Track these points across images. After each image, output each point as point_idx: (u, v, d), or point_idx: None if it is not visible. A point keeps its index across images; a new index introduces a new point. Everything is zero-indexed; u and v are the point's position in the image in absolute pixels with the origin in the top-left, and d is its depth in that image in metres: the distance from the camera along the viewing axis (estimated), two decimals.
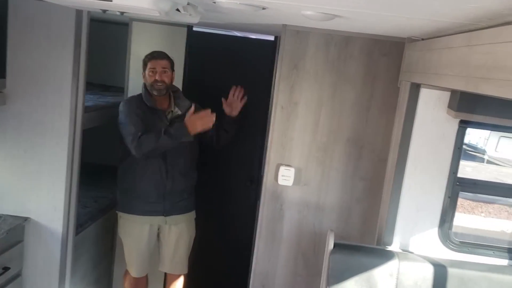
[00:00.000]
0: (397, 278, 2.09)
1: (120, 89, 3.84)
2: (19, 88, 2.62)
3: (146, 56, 3.10)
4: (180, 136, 2.93)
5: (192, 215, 3.32)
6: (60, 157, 2.73)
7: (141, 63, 3.55)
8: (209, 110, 2.95)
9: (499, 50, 1.24)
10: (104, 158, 3.78)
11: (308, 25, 2.38)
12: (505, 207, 5.95)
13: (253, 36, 3.94)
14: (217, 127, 3.19)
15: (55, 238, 2.82)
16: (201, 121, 2.94)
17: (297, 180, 2.55)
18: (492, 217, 6.03)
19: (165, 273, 3.48)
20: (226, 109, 3.27)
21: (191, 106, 3.13)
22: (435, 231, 2.22)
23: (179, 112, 3.13)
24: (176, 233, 3.24)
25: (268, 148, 2.56)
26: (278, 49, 3.52)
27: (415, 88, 2.13)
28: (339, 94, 2.49)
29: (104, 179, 3.88)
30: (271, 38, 3.63)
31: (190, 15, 1.99)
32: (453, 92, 2.07)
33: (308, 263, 2.63)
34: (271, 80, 3.61)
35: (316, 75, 2.48)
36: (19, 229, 2.75)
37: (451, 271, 2.07)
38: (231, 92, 3.30)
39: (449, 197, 2.19)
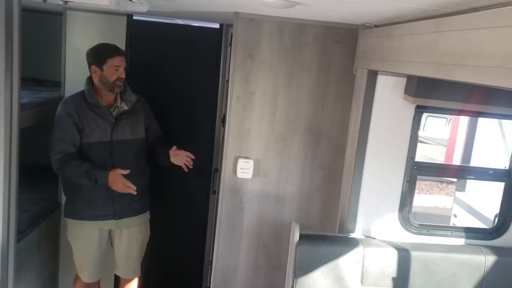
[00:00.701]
0: (363, 265, 2.10)
1: (55, 83, 3.60)
2: None
3: (104, 51, 2.85)
4: (98, 183, 2.77)
5: (146, 216, 3.14)
6: None
7: (78, 55, 3.34)
8: (134, 187, 2.78)
9: (473, 37, 1.24)
10: (39, 157, 3.52)
11: (262, 12, 2.31)
12: (436, 183, 6.24)
13: (196, 24, 3.81)
14: (154, 149, 3.09)
15: None
16: (122, 186, 2.78)
17: (256, 172, 2.49)
18: (425, 193, 6.30)
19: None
20: (172, 156, 3.00)
21: (137, 101, 2.99)
22: (395, 215, 2.26)
23: (126, 107, 2.95)
24: (128, 237, 3.07)
25: (225, 141, 2.49)
26: (226, 37, 3.46)
27: (373, 75, 2.13)
28: (295, 82, 2.45)
29: (40, 180, 3.62)
30: (216, 26, 3.53)
31: (141, 3, 1.87)
32: (410, 78, 2.09)
33: (270, 255, 2.60)
34: (218, 69, 3.53)
35: (271, 64, 2.42)
36: None
37: (414, 254, 2.11)
38: (185, 156, 2.98)
39: (407, 181, 2.22)
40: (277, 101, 2.46)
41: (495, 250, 2.17)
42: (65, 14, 3.31)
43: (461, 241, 2.26)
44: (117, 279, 3.35)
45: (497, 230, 2.31)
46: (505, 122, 4.37)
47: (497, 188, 2.43)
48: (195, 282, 3.81)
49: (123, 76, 2.84)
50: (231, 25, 3.24)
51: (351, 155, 2.26)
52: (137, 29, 3.43)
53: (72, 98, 2.95)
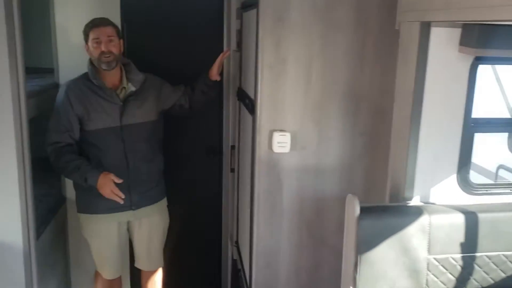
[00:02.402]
0: (429, 233, 1.97)
1: (45, 70, 3.29)
2: None
3: (87, 25, 2.61)
4: (88, 183, 2.58)
5: (163, 203, 2.96)
6: (7, 156, 2.25)
7: (70, 39, 3.08)
8: (122, 195, 2.58)
9: None
10: (38, 150, 3.25)
11: None
12: None
13: None
14: (192, 92, 2.90)
15: (15, 254, 2.35)
16: (109, 192, 2.56)
17: (293, 145, 2.31)
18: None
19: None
20: (212, 74, 2.86)
21: (145, 80, 2.74)
22: (453, 177, 2.12)
23: (133, 88, 2.71)
24: (148, 226, 2.89)
25: (258, 115, 2.28)
26: (228, 3, 3.21)
27: (426, 28, 1.94)
28: (330, 44, 2.25)
29: (40, 174, 3.35)
30: None
31: None
32: (467, 28, 1.92)
33: (313, 232, 2.45)
34: (222, 38, 3.28)
35: (304, 26, 2.21)
36: None
37: (481, 216, 1.98)
38: (222, 56, 2.87)
39: (465, 139, 2.08)
40: (311, 67, 2.26)
41: None
42: None
43: None
44: (137, 273, 3.15)
45: None
46: None
47: None
48: (216, 263, 3.66)
49: (107, 49, 2.58)
50: None
51: (399, 118, 2.10)
52: (131, 4, 3.15)
53: (74, 81, 2.71)
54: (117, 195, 2.57)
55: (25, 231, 2.37)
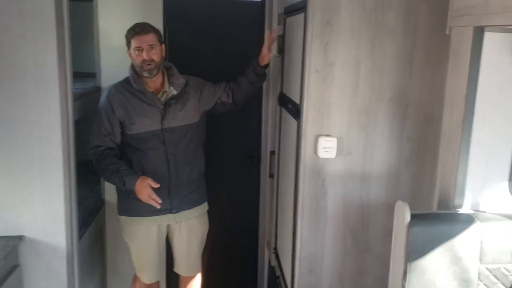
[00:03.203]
0: (481, 242, 1.91)
1: (88, 75, 3.35)
2: None
3: (128, 32, 2.63)
4: (125, 186, 2.62)
5: (204, 207, 2.95)
6: (53, 157, 2.29)
7: (112, 43, 3.13)
8: (159, 200, 2.60)
9: None
10: (79, 152, 3.31)
11: None
12: None
13: None
14: (239, 86, 2.89)
15: (59, 255, 2.39)
16: (146, 196, 2.59)
17: (339, 150, 2.28)
18: None
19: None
20: (264, 53, 2.81)
21: (186, 84, 2.76)
22: (505, 185, 2.06)
23: (175, 92, 2.72)
24: (188, 230, 2.89)
25: (304, 119, 2.26)
26: (270, 8, 3.21)
27: (479, 33, 1.91)
28: (378, 49, 2.22)
29: (82, 177, 3.40)
30: None
31: None
32: None
33: (357, 239, 2.41)
34: (260, 45, 3.28)
35: (352, 30, 2.19)
36: (13, 252, 2.28)
37: None
38: (268, 34, 2.84)
39: None
40: (359, 71, 2.24)
41: None
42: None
43: None
44: (174, 279, 3.16)
45: None
46: None
47: None
48: (252, 269, 3.64)
49: (149, 57, 2.58)
50: None
51: (450, 124, 2.05)
52: (174, 7, 3.18)
53: (116, 86, 2.74)
54: (154, 200, 2.58)
55: (68, 233, 2.40)
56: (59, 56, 2.19)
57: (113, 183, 2.70)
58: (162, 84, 2.73)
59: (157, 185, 2.58)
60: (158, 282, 2.99)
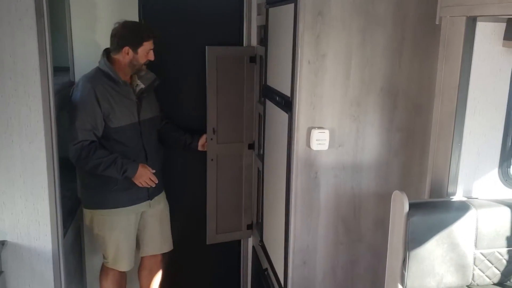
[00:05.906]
0: (477, 228, 1.96)
1: (60, 69, 3.21)
2: None
3: (141, 33, 2.72)
4: (124, 175, 2.73)
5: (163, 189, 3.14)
6: (36, 156, 2.18)
7: (85, 37, 3.11)
8: (156, 180, 2.85)
9: None
10: None
11: None
12: None
13: None
14: (170, 133, 3.13)
15: (44, 258, 2.29)
16: (147, 179, 2.80)
17: (331, 142, 2.28)
18: None
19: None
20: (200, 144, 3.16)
21: (155, 79, 2.84)
22: (495, 172, 2.12)
23: (142, 86, 2.81)
24: (160, 213, 3.05)
25: (296, 112, 2.25)
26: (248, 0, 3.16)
27: (471, 23, 1.94)
28: (369, 40, 2.23)
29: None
30: None
31: None
32: (511, 23, 1.92)
33: (349, 228, 2.43)
34: (242, 36, 3.23)
35: (344, 21, 2.18)
36: None
37: None
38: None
39: (507, 134, 2.08)
40: (350, 62, 2.24)
41: None
42: None
43: None
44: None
45: None
46: None
47: None
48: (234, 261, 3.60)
49: (153, 58, 2.75)
50: None
51: (442, 113, 2.09)
52: (150, 1, 3.07)
53: (94, 78, 2.70)
54: (153, 181, 2.81)
55: (54, 235, 2.31)
56: (40, 50, 2.08)
57: (109, 173, 2.70)
58: (132, 78, 2.83)
59: (154, 170, 2.81)
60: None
